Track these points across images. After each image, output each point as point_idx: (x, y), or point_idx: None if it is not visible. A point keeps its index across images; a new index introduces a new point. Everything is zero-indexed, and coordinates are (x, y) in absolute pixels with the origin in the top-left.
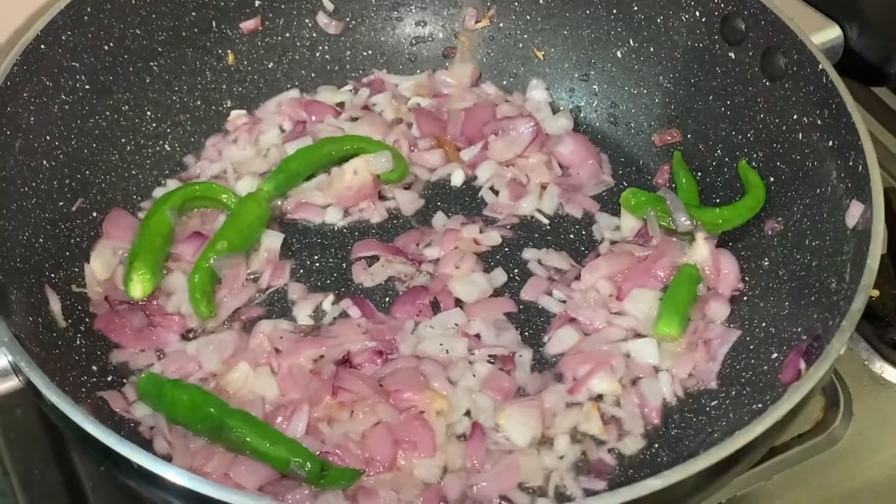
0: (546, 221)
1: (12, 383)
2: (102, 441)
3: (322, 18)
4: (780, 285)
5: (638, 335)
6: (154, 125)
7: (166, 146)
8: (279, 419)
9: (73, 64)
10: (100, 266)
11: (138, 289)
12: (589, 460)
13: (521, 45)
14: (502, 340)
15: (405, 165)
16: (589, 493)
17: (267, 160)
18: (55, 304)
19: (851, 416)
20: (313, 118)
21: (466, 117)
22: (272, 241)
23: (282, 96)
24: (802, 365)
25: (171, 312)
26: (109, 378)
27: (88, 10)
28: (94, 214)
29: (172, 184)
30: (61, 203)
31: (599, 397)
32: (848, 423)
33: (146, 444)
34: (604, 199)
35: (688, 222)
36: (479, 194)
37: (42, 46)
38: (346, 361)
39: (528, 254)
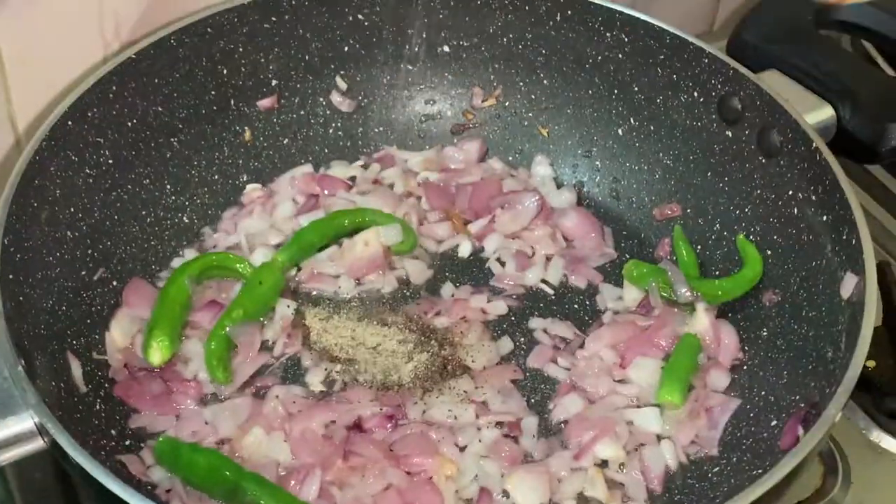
0: (551, 292)
1: (33, 446)
2: (128, 501)
3: (335, 97)
4: (778, 355)
5: (641, 402)
6: (173, 198)
7: (185, 218)
8: (292, 482)
9: (98, 139)
10: (119, 334)
11: (157, 356)
12: None
13: (526, 123)
14: (509, 407)
15: (415, 237)
16: None
17: (281, 232)
18: (76, 370)
19: (850, 484)
20: (326, 192)
21: (474, 191)
22: (286, 309)
23: (295, 171)
24: (801, 431)
25: (188, 379)
26: (127, 442)
27: (114, 88)
28: (115, 283)
29: (190, 253)
30: (83, 273)
31: (604, 463)
32: (847, 490)
33: None
34: (607, 270)
35: (688, 293)
36: (487, 265)
37: (69, 122)
38: (357, 426)
39: (534, 323)
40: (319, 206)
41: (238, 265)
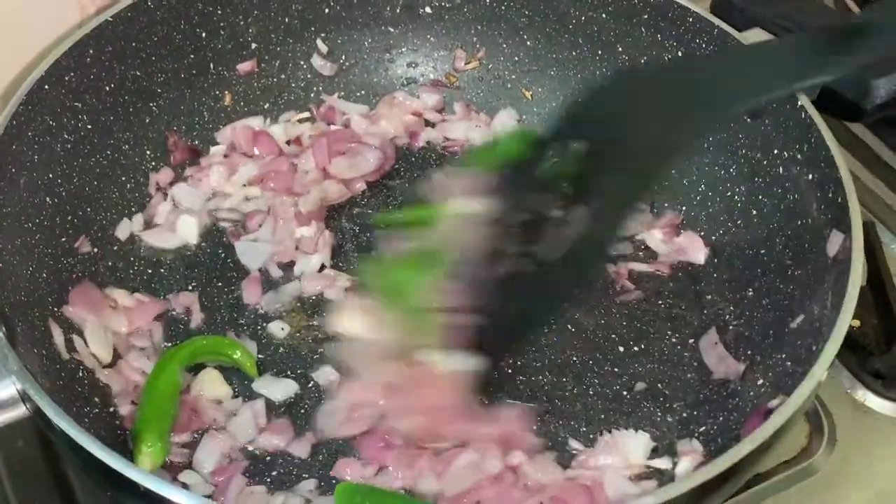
0: None
1: (16, 413)
2: (111, 465)
3: (317, 60)
4: (764, 314)
5: None
6: (153, 164)
7: None
8: None
9: (76, 104)
10: (101, 351)
11: (148, 462)
12: None
13: (509, 86)
14: None
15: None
16: None
17: (227, 196)
18: (58, 337)
19: (835, 443)
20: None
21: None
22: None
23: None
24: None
25: None
26: (111, 409)
27: (91, 52)
28: (95, 251)
29: (138, 219)
30: (64, 239)
31: None
32: (832, 449)
33: None
34: None
35: None
36: None
37: (46, 87)
38: None
39: None
40: None
41: (230, 351)
